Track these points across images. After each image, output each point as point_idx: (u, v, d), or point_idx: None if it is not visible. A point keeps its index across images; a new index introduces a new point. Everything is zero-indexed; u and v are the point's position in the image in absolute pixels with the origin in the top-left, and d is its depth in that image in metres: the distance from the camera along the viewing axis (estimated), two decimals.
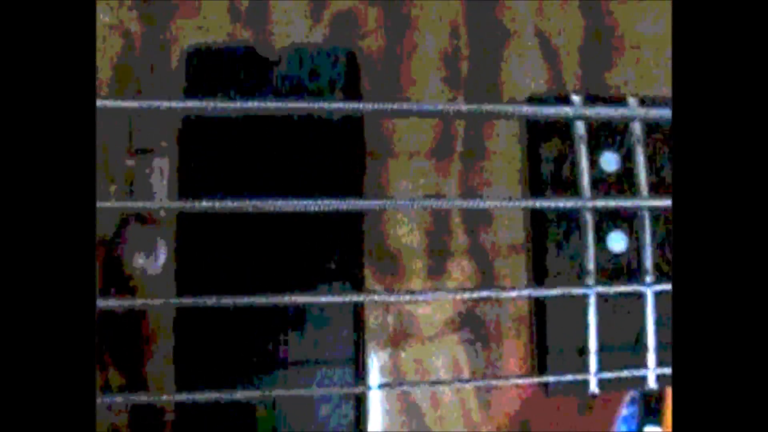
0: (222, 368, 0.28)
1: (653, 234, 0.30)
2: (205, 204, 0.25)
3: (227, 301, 0.26)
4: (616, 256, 0.30)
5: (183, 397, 0.27)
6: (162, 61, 0.30)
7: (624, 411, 0.34)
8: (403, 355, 0.30)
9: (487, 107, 0.26)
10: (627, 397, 0.34)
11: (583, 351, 0.30)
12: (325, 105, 0.26)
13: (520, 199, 0.30)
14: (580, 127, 0.30)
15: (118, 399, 0.28)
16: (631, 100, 0.31)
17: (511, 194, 0.31)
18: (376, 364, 0.30)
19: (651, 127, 0.31)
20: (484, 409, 0.31)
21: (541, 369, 0.30)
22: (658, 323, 0.30)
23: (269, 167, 0.29)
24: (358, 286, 0.29)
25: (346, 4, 0.31)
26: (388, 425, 0.30)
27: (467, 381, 0.30)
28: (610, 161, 0.30)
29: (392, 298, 0.30)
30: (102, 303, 0.25)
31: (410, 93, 0.31)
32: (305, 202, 0.26)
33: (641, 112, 0.28)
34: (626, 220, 0.30)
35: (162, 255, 0.29)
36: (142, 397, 0.28)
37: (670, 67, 0.32)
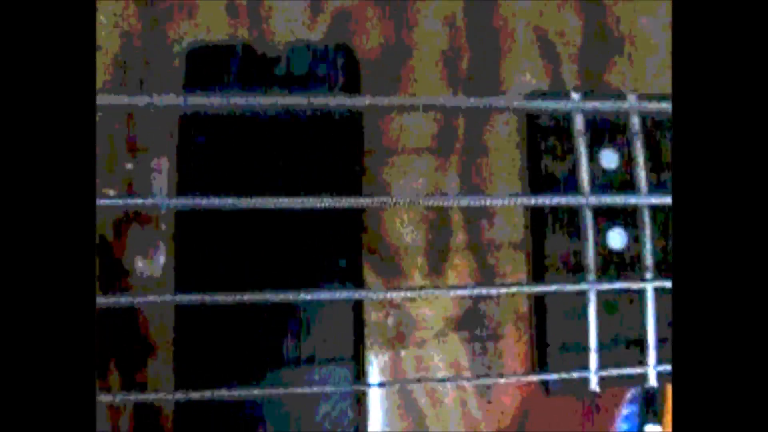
0: (222, 368, 0.28)
1: (653, 231, 0.30)
2: (204, 201, 0.25)
3: (226, 298, 0.26)
4: (616, 253, 0.30)
5: (182, 395, 0.27)
6: (162, 60, 0.30)
7: (624, 410, 0.34)
8: (403, 353, 0.30)
9: (486, 100, 0.26)
10: (627, 396, 0.34)
11: (584, 348, 0.30)
12: (325, 99, 0.26)
13: (520, 196, 0.30)
14: (579, 124, 0.30)
15: (117, 398, 0.28)
16: (631, 97, 0.31)
17: (510, 191, 0.31)
18: (376, 362, 0.30)
19: (650, 124, 0.31)
20: (484, 407, 0.31)
21: (541, 367, 0.30)
22: (659, 320, 0.30)
23: (268, 166, 0.29)
24: (358, 284, 0.29)
25: (346, 3, 0.31)
26: (388, 424, 0.30)
27: (467, 379, 0.30)
28: (609, 158, 0.30)
29: (391, 295, 0.30)
30: (102, 300, 0.25)
31: (410, 91, 0.31)
32: (304, 200, 0.26)
33: (638, 104, 0.28)
34: (626, 217, 0.30)
35: (161, 257, 0.29)
36: (142, 396, 0.28)
37: (669, 65, 0.32)
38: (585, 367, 0.30)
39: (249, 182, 0.29)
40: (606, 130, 0.31)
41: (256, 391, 0.27)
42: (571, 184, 0.30)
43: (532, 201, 0.28)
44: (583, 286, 0.29)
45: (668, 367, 0.30)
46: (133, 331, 0.29)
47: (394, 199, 0.27)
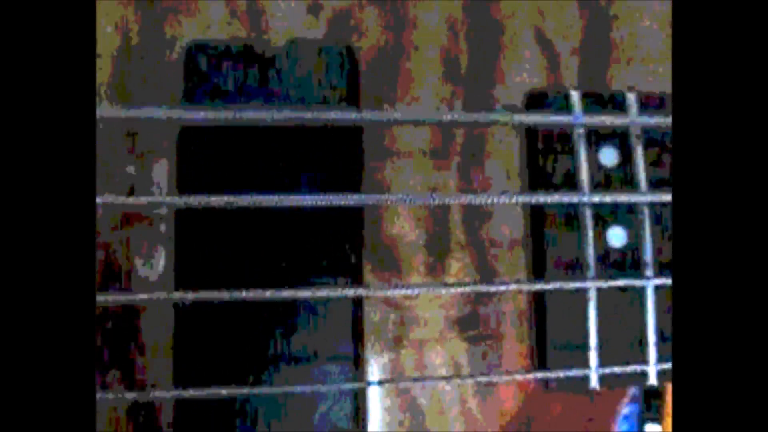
0: (221, 367, 0.28)
1: (653, 229, 0.30)
2: (204, 199, 0.25)
3: (224, 295, 0.26)
4: (616, 251, 0.30)
5: (182, 393, 0.27)
6: (161, 59, 0.30)
7: (625, 410, 0.34)
8: (402, 351, 0.30)
9: (484, 116, 0.26)
10: (627, 396, 0.34)
11: (584, 347, 0.30)
12: (318, 115, 0.26)
13: (520, 194, 0.30)
14: (578, 122, 0.30)
15: (117, 397, 0.28)
16: (630, 96, 0.31)
17: (510, 190, 0.31)
18: (375, 361, 0.30)
19: (649, 122, 0.31)
20: (483, 406, 0.31)
21: (541, 365, 0.30)
22: (658, 318, 0.30)
23: (268, 167, 0.29)
24: (358, 283, 0.29)
25: (345, 2, 0.31)
26: (388, 423, 0.30)
27: (467, 377, 0.30)
28: (609, 156, 0.30)
29: (391, 293, 0.30)
30: (101, 298, 0.25)
31: (409, 90, 0.31)
32: (303, 197, 0.26)
33: (639, 120, 0.28)
34: (626, 214, 0.30)
35: (161, 260, 0.29)
36: (141, 395, 0.28)
37: (669, 62, 0.32)
38: (585, 365, 0.29)
39: (248, 183, 0.29)
40: (605, 129, 0.31)
41: (255, 390, 0.27)
42: (570, 183, 0.30)
43: (532, 199, 0.28)
44: (583, 284, 0.29)
45: (668, 366, 0.30)
46: (132, 330, 0.29)
47: (393, 197, 0.27)
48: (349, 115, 0.27)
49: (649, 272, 0.30)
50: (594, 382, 0.30)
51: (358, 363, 0.29)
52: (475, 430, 0.31)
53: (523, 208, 0.31)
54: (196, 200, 0.26)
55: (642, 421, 0.37)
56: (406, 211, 0.31)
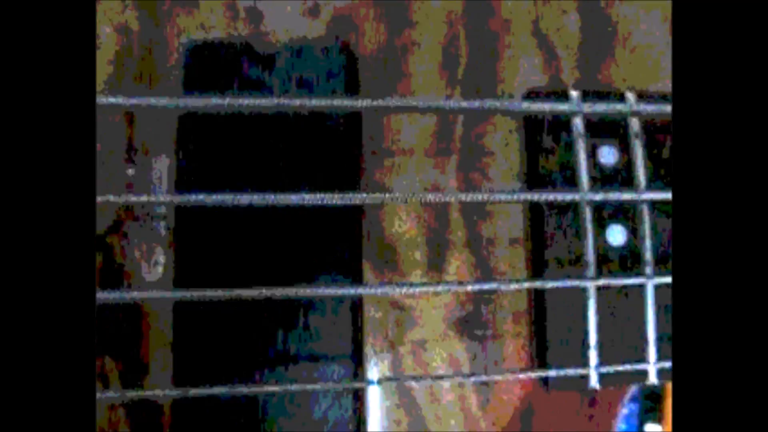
0: (220, 366, 0.28)
1: (652, 226, 0.30)
2: (203, 198, 0.25)
3: (224, 293, 0.26)
4: (616, 249, 0.30)
5: (181, 392, 0.27)
6: (161, 58, 0.30)
7: (625, 409, 0.34)
8: (402, 350, 0.30)
9: (485, 103, 0.26)
10: (628, 395, 0.34)
11: (584, 345, 0.30)
12: (322, 102, 0.26)
13: (519, 192, 0.31)
14: (578, 121, 0.30)
15: (117, 396, 0.28)
16: (629, 95, 0.31)
17: (509, 188, 0.31)
18: (375, 359, 0.30)
19: (649, 120, 0.31)
20: (483, 405, 0.31)
21: (541, 363, 0.30)
22: (659, 317, 0.30)
23: (267, 165, 0.29)
24: (358, 281, 0.29)
25: (345, 2, 0.31)
26: (388, 423, 0.30)
27: (467, 376, 0.30)
28: (608, 154, 0.30)
29: (390, 292, 0.30)
30: (101, 296, 0.25)
31: (409, 89, 0.31)
32: (303, 196, 0.26)
33: (638, 107, 0.28)
34: (625, 213, 0.30)
35: (161, 262, 0.29)
36: (141, 394, 0.28)
37: (668, 61, 0.32)
38: (585, 363, 0.29)
39: (248, 182, 0.29)
40: (604, 127, 0.31)
41: (254, 389, 0.27)
42: (570, 181, 0.30)
43: (531, 197, 0.28)
44: (582, 282, 0.29)
45: (669, 364, 0.30)
46: (132, 329, 0.29)
47: (392, 195, 0.27)
48: (349, 103, 0.27)
49: (648, 270, 0.30)
50: (594, 381, 0.30)
51: (358, 362, 0.29)
52: (475, 430, 0.31)
53: (522, 207, 0.31)
54: (195, 199, 0.26)
55: (642, 420, 0.37)
56: (406, 210, 0.31)
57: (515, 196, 0.29)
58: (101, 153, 0.29)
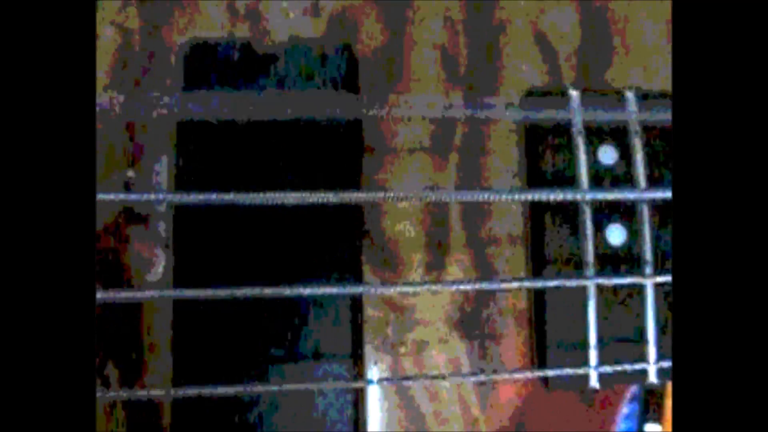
0: (220, 365, 0.28)
1: (652, 226, 0.30)
2: (203, 197, 0.25)
3: (223, 292, 0.26)
4: (615, 248, 0.30)
5: (180, 392, 0.27)
6: (160, 58, 0.30)
7: (625, 409, 0.34)
8: (402, 350, 0.30)
9: (485, 103, 0.26)
10: (628, 395, 0.34)
11: (583, 345, 0.30)
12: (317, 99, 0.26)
13: (519, 192, 0.30)
14: (577, 121, 0.30)
15: (116, 396, 0.28)
16: (629, 94, 0.31)
17: (509, 188, 0.31)
18: (374, 359, 0.30)
19: (649, 120, 0.31)
20: (483, 405, 0.31)
21: (541, 363, 0.30)
22: (658, 316, 0.30)
23: (267, 166, 0.29)
24: (357, 281, 0.29)
25: (345, 2, 0.31)
26: (387, 422, 0.30)
27: (467, 376, 0.30)
28: (608, 154, 0.30)
29: (390, 291, 0.30)
30: (101, 296, 0.25)
31: (408, 88, 0.31)
32: (303, 195, 0.26)
33: (638, 113, 0.28)
34: (625, 212, 0.30)
35: (161, 262, 0.29)
36: (141, 393, 0.28)
37: (668, 60, 0.32)
38: (585, 363, 0.29)
39: (248, 182, 0.29)
40: (604, 126, 0.31)
41: (254, 389, 0.27)
42: (569, 180, 0.30)
43: (531, 196, 0.28)
44: (582, 282, 0.29)
45: (668, 363, 0.30)
46: (132, 329, 0.29)
47: (392, 195, 0.27)
48: (349, 102, 0.27)
49: (648, 270, 0.30)
50: (594, 381, 0.30)
51: (357, 362, 0.29)
52: (475, 430, 0.31)
53: (522, 206, 0.31)
54: (195, 198, 0.26)
55: (642, 420, 0.37)
56: (406, 209, 0.31)
57: (515, 196, 0.29)
58: (101, 153, 0.29)
